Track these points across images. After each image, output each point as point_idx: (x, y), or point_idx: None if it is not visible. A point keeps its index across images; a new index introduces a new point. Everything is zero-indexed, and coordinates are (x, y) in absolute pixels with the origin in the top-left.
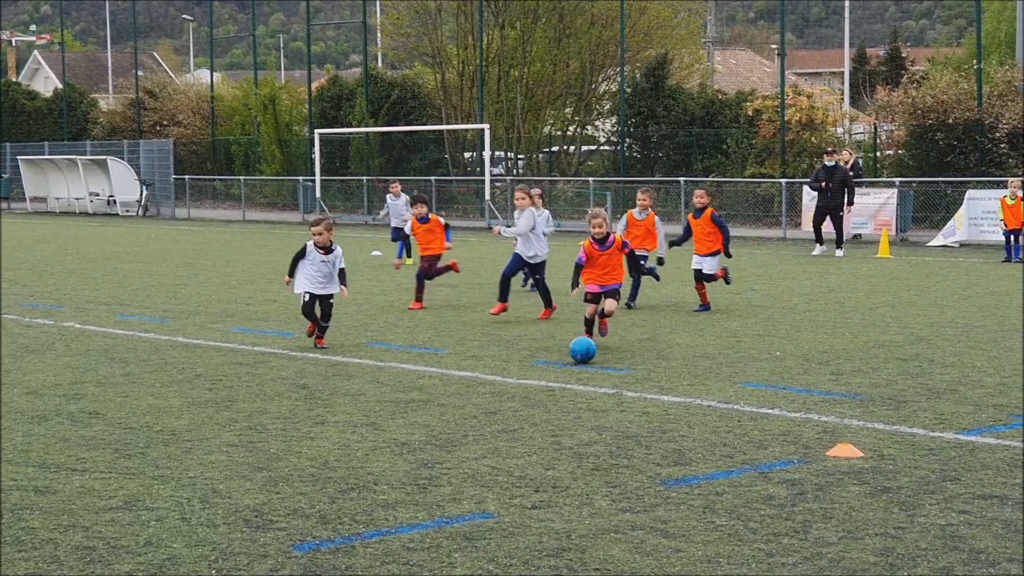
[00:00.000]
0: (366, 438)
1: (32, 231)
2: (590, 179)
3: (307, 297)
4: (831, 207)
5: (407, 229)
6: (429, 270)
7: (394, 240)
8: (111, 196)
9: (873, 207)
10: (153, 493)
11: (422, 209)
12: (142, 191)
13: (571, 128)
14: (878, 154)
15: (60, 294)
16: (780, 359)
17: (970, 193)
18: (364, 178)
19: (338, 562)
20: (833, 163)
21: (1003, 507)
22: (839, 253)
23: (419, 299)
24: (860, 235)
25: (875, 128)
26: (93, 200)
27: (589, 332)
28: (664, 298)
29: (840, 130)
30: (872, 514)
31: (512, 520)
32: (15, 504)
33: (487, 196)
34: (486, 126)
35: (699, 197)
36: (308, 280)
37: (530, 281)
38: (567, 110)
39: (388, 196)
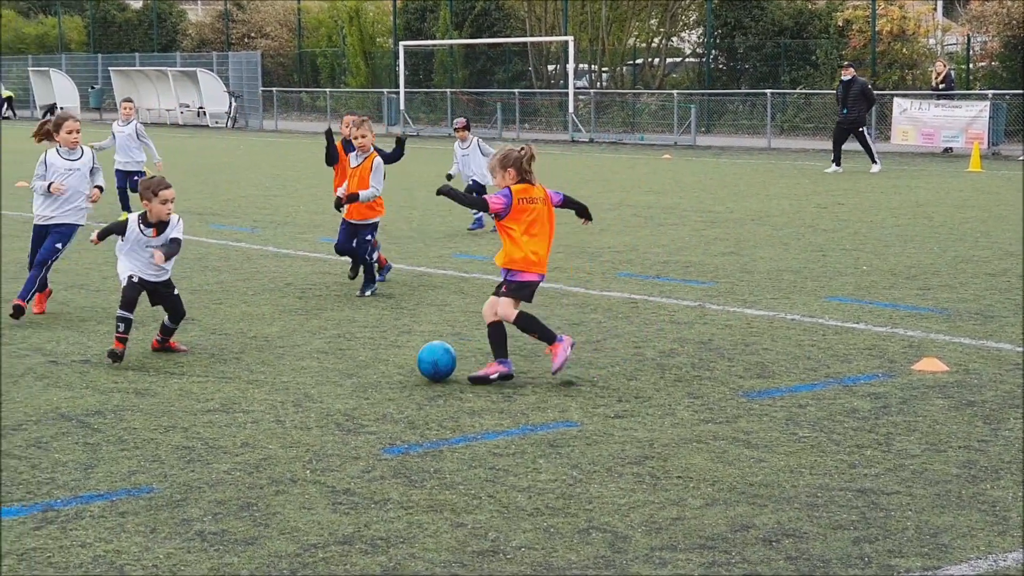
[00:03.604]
0: (452, 347)
1: None
2: (674, 92)
3: (135, 279)
4: (847, 123)
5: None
6: None
7: (120, 189)
8: (201, 107)
9: (965, 120)
10: (248, 396)
11: None
12: (231, 103)
13: (656, 40)
14: (971, 66)
15: None
16: (866, 274)
17: None
18: (448, 91)
19: (427, 465)
20: (849, 77)
21: None
22: (875, 168)
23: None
24: (951, 148)
25: (968, 39)
26: (183, 111)
27: (501, 355)
28: (748, 212)
29: (932, 41)
30: (956, 427)
31: (595, 428)
32: (116, 405)
33: (571, 109)
34: (570, 38)
35: (348, 125)
36: (136, 265)
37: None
38: (652, 21)
39: (115, 123)
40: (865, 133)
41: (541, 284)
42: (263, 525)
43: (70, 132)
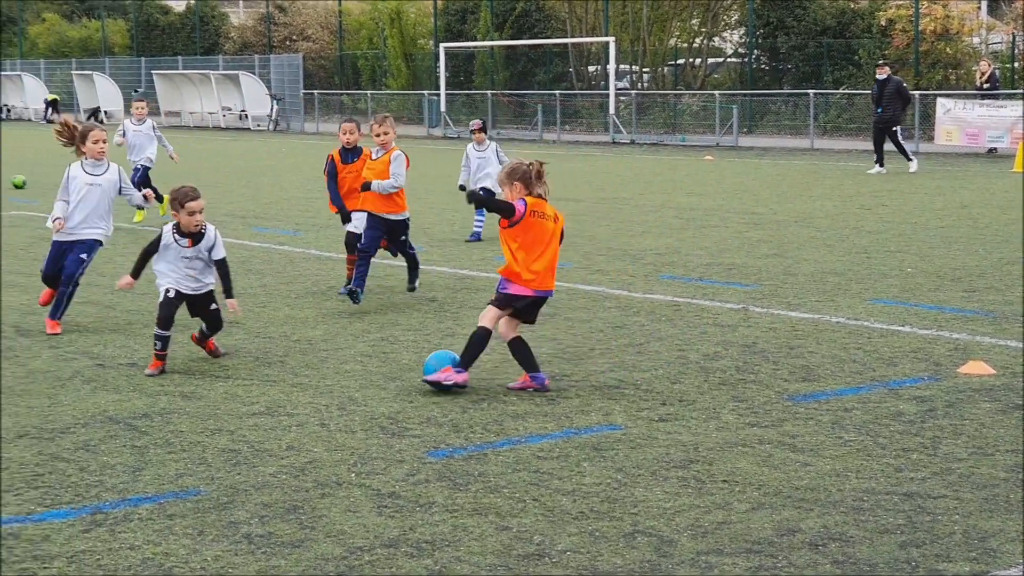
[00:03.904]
0: (495, 350)
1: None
2: (716, 92)
3: (171, 294)
4: (882, 122)
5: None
6: None
7: (137, 185)
8: (243, 111)
9: (1010, 120)
10: (293, 400)
11: None
12: (272, 106)
13: (698, 40)
14: (1016, 65)
15: None
16: (911, 276)
17: None
18: (489, 92)
19: (471, 468)
20: (884, 76)
21: None
22: (912, 167)
23: None
24: (996, 149)
25: (1013, 38)
26: (225, 115)
27: (532, 369)
28: (792, 213)
29: (976, 40)
30: (1003, 431)
31: (639, 432)
32: (163, 408)
33: (612, 110)
34: (611, 39)
35: (346, 132)
36: (173, 277)
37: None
38: (694, 21)
39: (127, 120)
40: (897, 133)
41: (585, 288)
42: (309, 528)
43: (96, 142)
